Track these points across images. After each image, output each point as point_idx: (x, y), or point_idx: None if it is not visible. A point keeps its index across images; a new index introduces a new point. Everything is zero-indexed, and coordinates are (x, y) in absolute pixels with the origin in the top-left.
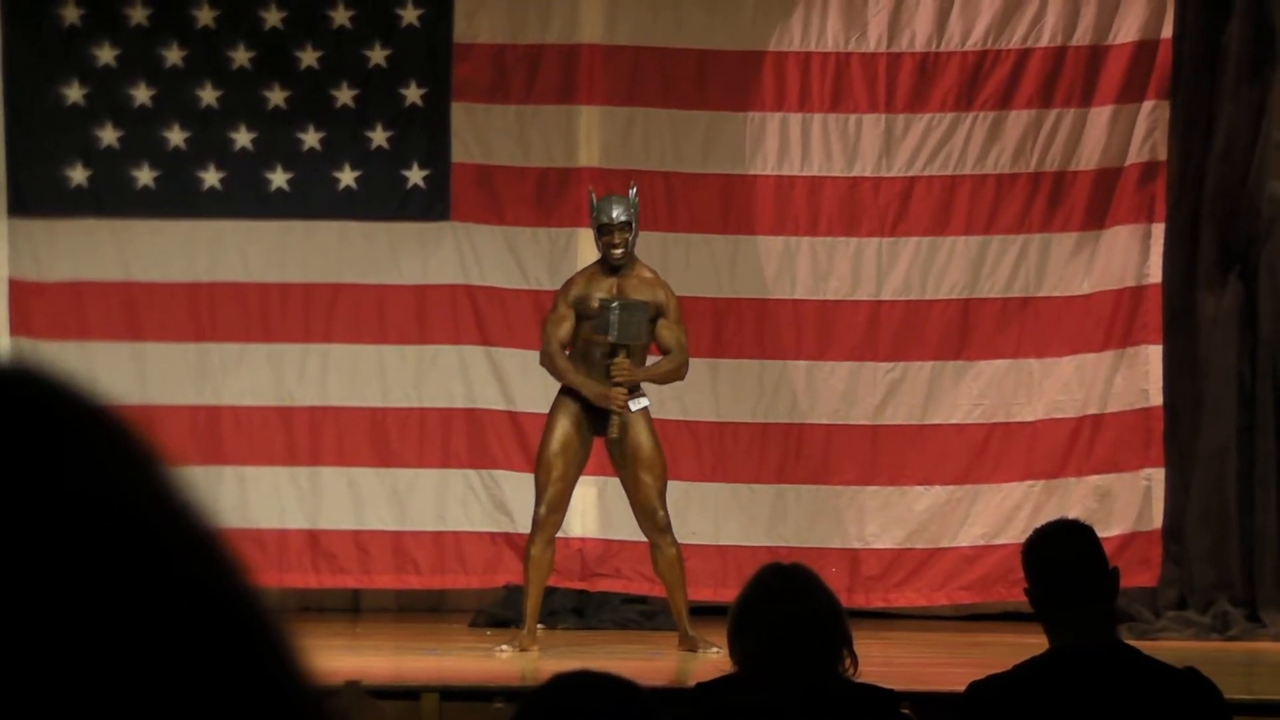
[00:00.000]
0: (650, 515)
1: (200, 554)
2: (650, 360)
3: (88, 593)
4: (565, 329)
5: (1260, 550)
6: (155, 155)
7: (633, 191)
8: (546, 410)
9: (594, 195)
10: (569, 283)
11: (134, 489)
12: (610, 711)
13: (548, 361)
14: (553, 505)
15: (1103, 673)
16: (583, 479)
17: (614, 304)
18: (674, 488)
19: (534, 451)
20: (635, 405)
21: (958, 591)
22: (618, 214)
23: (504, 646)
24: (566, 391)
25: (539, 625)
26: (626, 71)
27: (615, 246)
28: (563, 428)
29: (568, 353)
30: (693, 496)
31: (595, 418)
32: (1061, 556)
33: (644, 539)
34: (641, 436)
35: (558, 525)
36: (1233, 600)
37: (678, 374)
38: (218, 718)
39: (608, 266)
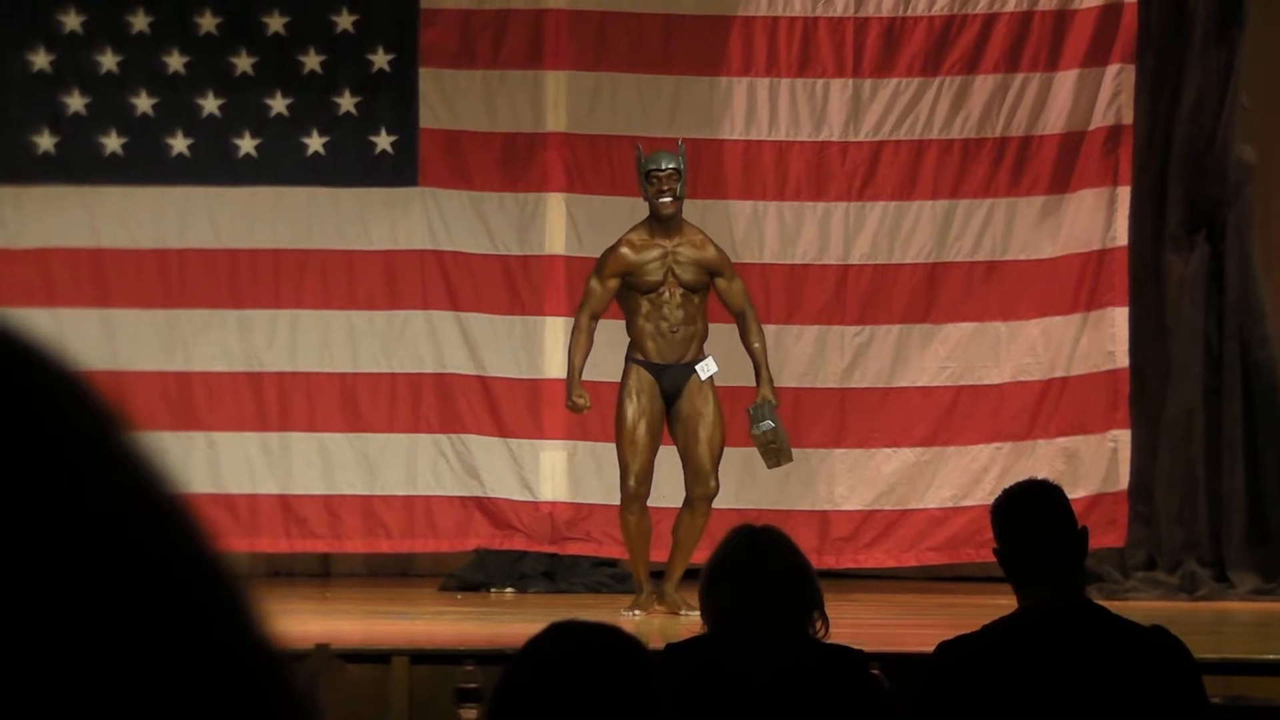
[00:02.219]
0: (705, 480)
1: (163, 519)
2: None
3: (44, 557)
4: (599, 304)
5: (1227, 511)
6: (123, 122)
7: (680, 145)
8: (516, 374)
9: (641, 149)
10: (615, 253)
11: (95, 453)
12: (607, 660)
13: (573, 343)
14: (641, 477)
15: (1071, 632)
16: (551, 443)
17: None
18: None
19: (504, 416)
20: (705, 372)
21: (926, 553)
22: (667, 162)
23: (635, 611)
24: (632, 361)
25: (509, 589)
26: (593, 36)
27: (665, 193)
28: (639, 398)
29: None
30: (663, 459)
31: (667, 384)
32: (1030, 516)
33: (614, 502)
34: (710, 405)
35: (648, 494)
36: (1200, 560)
37: (763, 335)
38: (180, 683)
39: (658, 225)
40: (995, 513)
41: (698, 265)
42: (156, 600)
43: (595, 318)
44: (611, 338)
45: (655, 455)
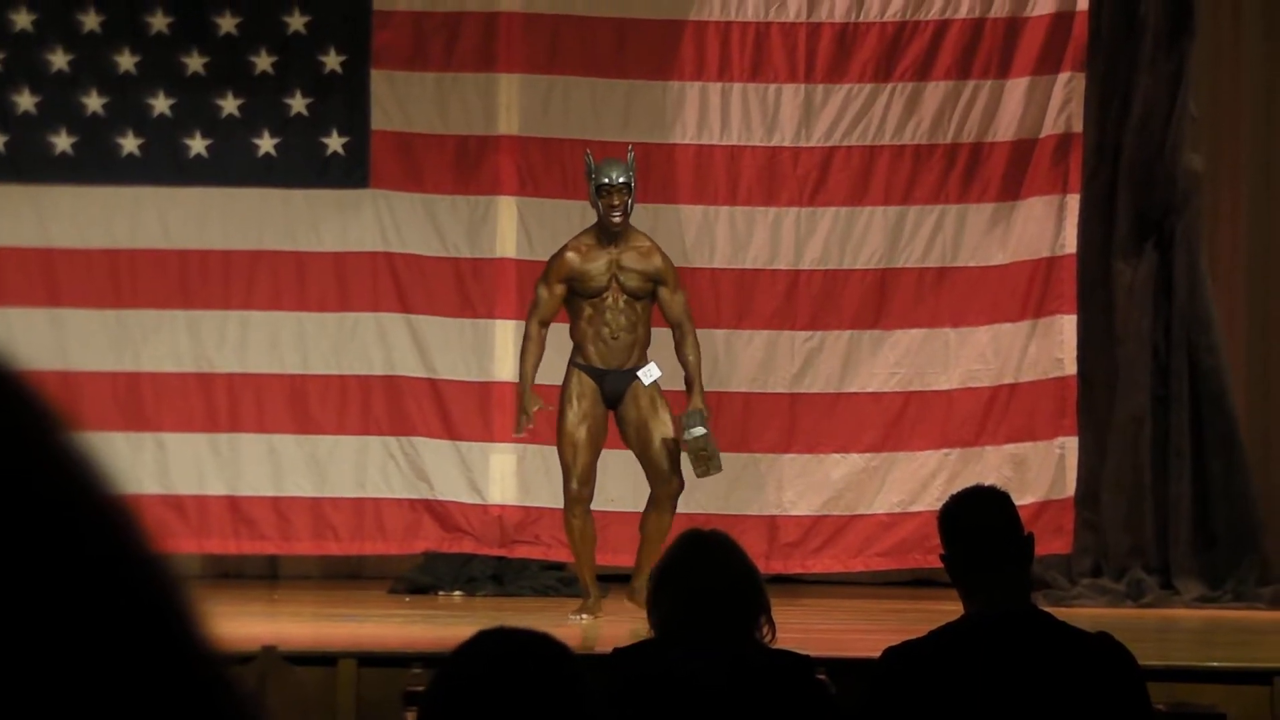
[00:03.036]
0: (667, 481)
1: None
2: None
3: None
4: (548, 310)
5: (1174, 518)
6: (73, 121)
7: (630, 154)
8: (466, 377)
9: (591, 158)
10: (560, 259)
11: (36, 454)
12: (535, 667)
13: (523, 350)
14: (583, 479)
15: (1017, 638)
16: (500, 446)
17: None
18: None
19: (454, 419)
20: (648, 378)
21: (874, 558)
22: (617, 175)
23: (583, 615)
24: (574, 363)
25: (457, 592)
26: (546, 40)
27: (615, 209)
28: (577, 401)
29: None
30: (611, 463)
31: (608, 389)
32: (976, 522)
33: (559, 506)
34: (657, 407)
35: (591, 497)
36: (1146, 568)
37: (698, 348)
38: (120, 682)
39: (605, 233)
40: (942, 519)
41: (642, 274)
42: (96, 600)
43: (545, 324)
44: (554, 340)
45: (597, 458)
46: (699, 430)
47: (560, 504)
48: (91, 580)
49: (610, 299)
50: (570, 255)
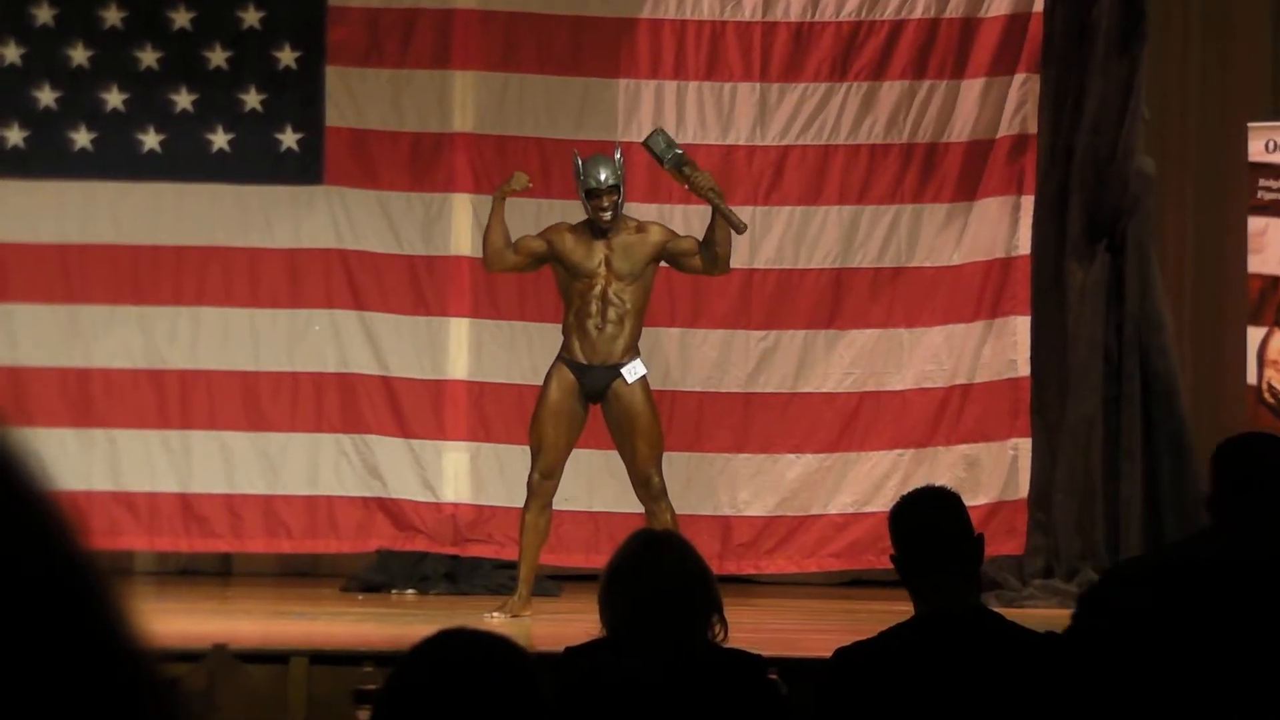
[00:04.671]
0: (645, 483)
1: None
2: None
3: None
4: (524, 241)
5: (1125, 520)
6: (26, 115)
7: (618, 153)
8: (420, 375)
9: (579, 158)
10: (558, 228)
11: None
12: (491, 669)
13: (488, 247)
14: (546, 471)
15: (967, 638)
16: (453, 444)
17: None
18: None
19: (407, 417)
20: (631, 375)
21: (828, 559)
22: (605, 177)
23: (494, 613)
24: (559, 359)
25: (410, 590)
26: (501, 37)
27: (604, 210)
28: (555, 393)
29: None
30: (566, 462)
31: (589, 385)
32: (927, 523)
33: (516, 505)
34: (638, 405)
35: (553, 491)
36: (1097, 569)
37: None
38: (40, 678)
39: (595, 229)
40: (892, 520)
41: (644, 254)
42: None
43: (511, 244)
44: (534, 342)
45: (567, 454)
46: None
47: (514, 502)
48: (12, 574)
49: (599, 287)
50: (567, 234)
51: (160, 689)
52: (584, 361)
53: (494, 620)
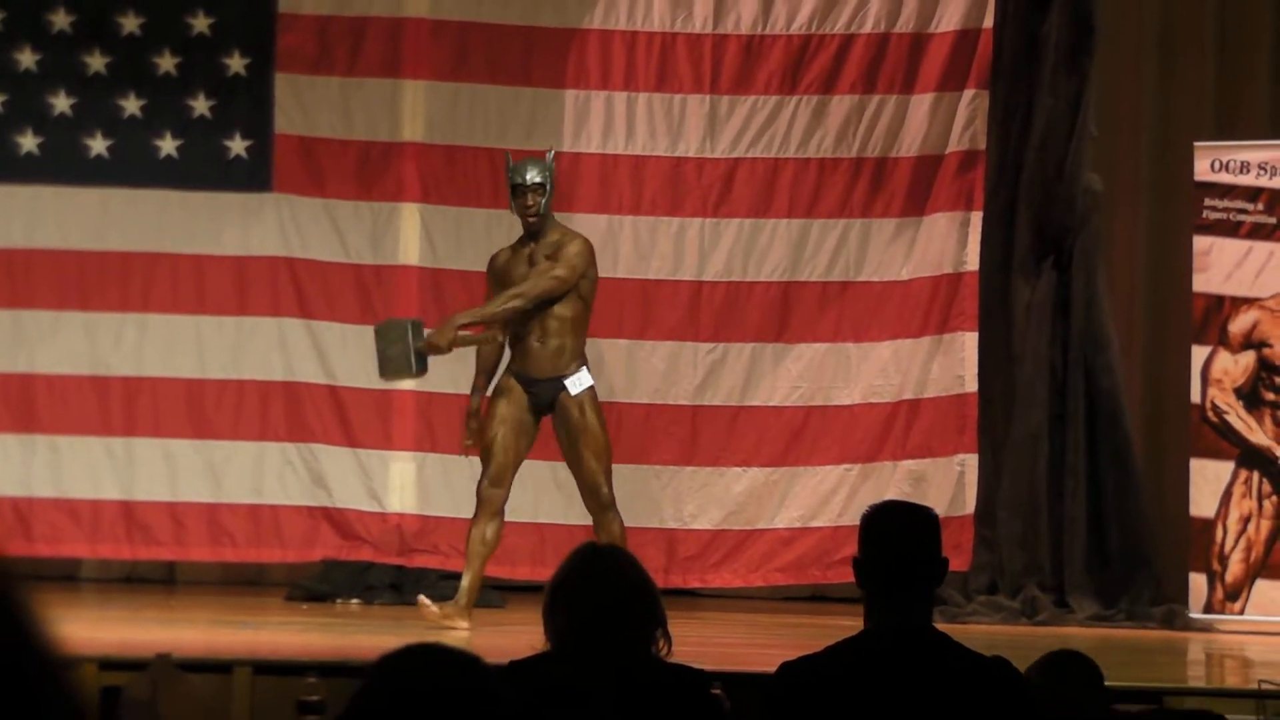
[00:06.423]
0: (594, 493)
1: None
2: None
3: None
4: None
5: (1069, 536)
6: None
7: (549, 154)
8: (366, 384)
9: (510, 158)
10: (490, 261)
11: None
12: (454, 685)
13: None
14: (494, 479)
15: (914, 657)
16: (400, 454)
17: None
18: None
19: (354, 426)
20: (575, 387)
21: (773, 573)
22: (530, 175)
23: (425, 598)
24: (509, 371)
25: (355, 600)
26: (452, 47)
27: (529, 208)
28: (505, 405)
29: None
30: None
31: (536, 398)
32: (899, 533)
33: (462, 515)
34: (585, 417)
35: (502, 500)
36: (1041, 585)
37: (510, 300)
38: None
39: (526, 234)
40: (867, 522)
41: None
42: None
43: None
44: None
45: (517, 464)
46: (389, 332)
47: (460, 513)
48: None
49: None
50: (498, 256)
51: (72, 694)
52: (531, 375)
53: (424, 602)
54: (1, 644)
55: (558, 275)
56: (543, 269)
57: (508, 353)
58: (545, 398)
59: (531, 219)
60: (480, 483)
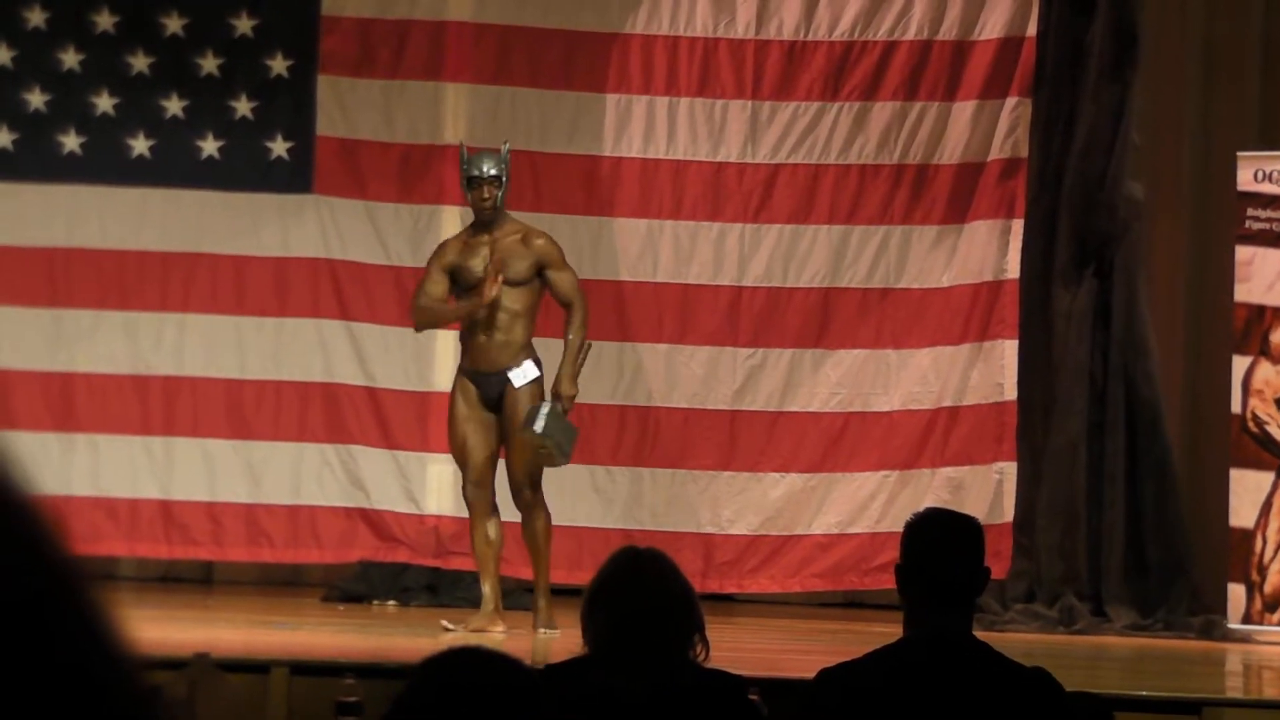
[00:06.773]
0: (517, 493)
1: (9, 518)
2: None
3: None
4: (439, 291)
5: (1107, 545)
6: (15, 118)
7: (505, 148)
8: (405, 386)
9: (466, 150)
10: (441, 248)
11: None
12: (497, 686)
13: (422, 315)
14: (476, 480)
15: (953, 666)
16: (437, 456)
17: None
18: None
19: (392, 428)
20: (519, 379)
21: (811, 579)
22: (487, 167)
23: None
24: (460, 367)
25: (391, 602)
26: (494, 50)
27: (484, 200)
28: (461, 405)
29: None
30: (549, 477)
31: (486, 393)
32: (942, 541)
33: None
34: (519, 417)
35: (489, 498)
36: (1079, 594)
37: (585, 326)
38: (23, 686)
39: (480, 225)
40: (911, 529)
41: (523, 259)
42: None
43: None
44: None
45: (492, 462)
46: (537, 426)
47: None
48: None
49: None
50: (448, 246)
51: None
52: (480, 369)
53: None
54: (74, 645)
55: (575, 282)
56: (566, 286)
57: (458, 349)
58: (494, 392)
59: (487, 211)
60: (464, 487)
